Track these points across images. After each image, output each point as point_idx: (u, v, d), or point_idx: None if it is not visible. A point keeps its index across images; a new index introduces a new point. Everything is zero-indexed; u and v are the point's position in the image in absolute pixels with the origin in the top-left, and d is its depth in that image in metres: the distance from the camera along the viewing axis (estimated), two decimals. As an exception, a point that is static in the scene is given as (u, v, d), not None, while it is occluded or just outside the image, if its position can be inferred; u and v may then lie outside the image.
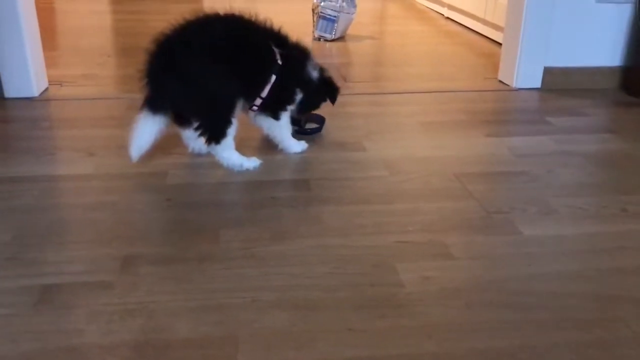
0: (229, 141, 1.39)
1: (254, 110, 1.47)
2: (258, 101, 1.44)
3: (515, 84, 2.13)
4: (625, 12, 2.07)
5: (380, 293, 0.97)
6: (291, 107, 1.50)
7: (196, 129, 1.37)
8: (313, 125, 1.69)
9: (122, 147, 1.55)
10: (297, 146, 1.54)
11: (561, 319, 0.93)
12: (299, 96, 1.50)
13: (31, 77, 1.92)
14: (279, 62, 1.42)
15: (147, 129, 1.34)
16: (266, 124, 1.50)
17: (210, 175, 1.39)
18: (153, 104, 1.33)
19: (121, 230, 1.15)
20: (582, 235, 1.17)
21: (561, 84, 2.12)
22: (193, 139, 1.47)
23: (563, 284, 1.02)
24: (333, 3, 2.80)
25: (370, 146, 1.57)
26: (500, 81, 2.21)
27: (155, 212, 1.22)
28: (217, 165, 1.44)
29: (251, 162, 1.43)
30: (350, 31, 2.95)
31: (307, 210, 1.24)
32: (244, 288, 0.98)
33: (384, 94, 2.06)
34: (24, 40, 1.86)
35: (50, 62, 2.26)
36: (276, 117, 1.48)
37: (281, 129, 1.51)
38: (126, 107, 1.86)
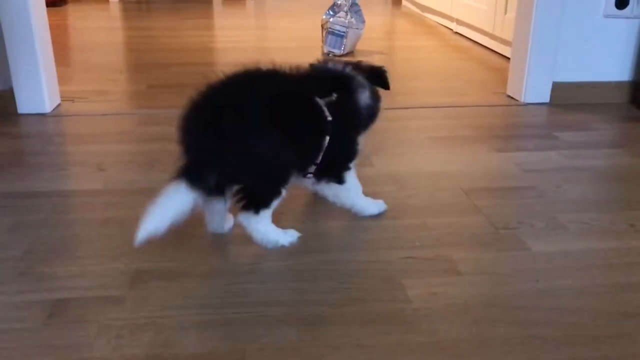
0: (268, 213, 1.14)
1: (308, 178, 1.21)
2: (312, 168, 1.19)
3: (523, 98, 2.13)
4: (633, 26, 2.07)
5: (387, 309, 0.98)
6: (355, 161, 1.26)
7: (237, 194, 1.13)
8: None
9: (132, 162, 1.57)
10: (374, 207, 1.30)
11: (569, 335, 0.92)
12: (361, 144, 1.27)
13: (44, 93, 1.95)
14: (329, 118, 1.15)
15: (174, 205, 1.03)
16: (331, 191, 1.24)
17: (219, 191, 1.41)
18: (193, 173, 1.04)
19: (131, 246, 1.15)
20: (590, 251, 1.17)
21: (570, 99, 2.12)
22: (217, 214, 1.20)
23: (571, 300, 1.01)
24: (342, 19, 2.82)
25: (378, 161, 1.58)
26: (508, 96, 2.21)
27: (165, 227, 1.23)
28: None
29: (288, 237, 1.18)
30: (359, 46, 2.98)
31: (315, 225, 1.25)
32: (252, 303, 0.99)
33: (393, 109, 2.07)
34: (37, 56, 1.90)
35: (62, 78, 2.29)
36: (341, 181, 1.23)
37: (349, 192, 1.25)
38: (137, 122, 1.88)
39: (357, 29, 2.87)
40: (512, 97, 2.19)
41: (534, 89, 2.12)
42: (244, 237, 1.19)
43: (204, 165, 1.06)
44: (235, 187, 1.13)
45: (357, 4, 2.89)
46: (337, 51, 2.84)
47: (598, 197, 1.41)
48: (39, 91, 1.94)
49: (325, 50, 2.86)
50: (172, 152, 1.63)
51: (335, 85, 1.20)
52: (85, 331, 0.91)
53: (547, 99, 2.13)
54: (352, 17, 2.84)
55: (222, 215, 1.20)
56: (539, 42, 2.06)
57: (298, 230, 1.21)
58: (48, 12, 2.00)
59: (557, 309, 0.99)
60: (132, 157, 1.61)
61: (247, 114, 1.08)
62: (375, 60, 2.82)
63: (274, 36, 3.37)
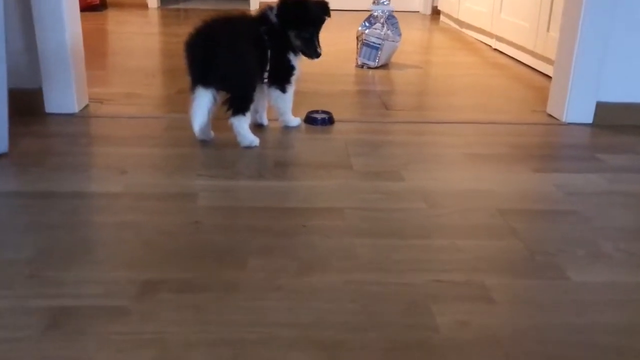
0: (249, 115, 1.65)
1: (264, 83, 1.71)
2: (266, 75, 1.70)
3: (565, 118, 2.03)
4: (685, 47, 1.96)
5: (412, 336, 0.90)
6: (293, 78, 1.77)
7: (227, 103, 1.61)
8: (323, 116, 1.93)
9: (155, 166, 1.53)
10: (294, 121, 1.86)
11: (613, 378, 0.83)
12: (294, 60, 1.75)
13: (72, 94, 1.93)
14: (266, 37, 1.67)
15: (203, 103, 1.55)
16: (274, 95, 1.76)
17: (241, 199, 1.35)
18: (203, 78, 1.56)
19: (145, 253, 1.11)
20: (637, 284, 1.07)
21: (614, 120, 2.01)
22: (205, 126, 1.66)
23: (612, 338, 0.92)
24: (378, 31, 2.76)
25: (409, 176, 1.50)
26: (549, 115, 2.11)
27: (182, 235, 1.18)
28: (249, 188, 1.40)
29: (256, 140, 1.68)
30: (394, 59, 2.91)
31: (340, 242, 1.18)
32: (266, 322, 0.92)
33: (426, 123, 2.00)
34: (68, 57, 1.88)
35: (96, 81, 2.29)
36: (283, 90, 1.75)
37: (285, 101, 1.78)
38: (164, 126, 1.84)
39: (393, 41, 2.81)
40: (552, 116, 2.10)
41: (576, 108, 2.02)
42: (265, 249, 1.12)
43: (209, 73, 1.55)
44: (224, 98, 1.60)
45: (394, 17, 2.83)
46: (371, 63, 2.78)
47: (645, 225, 1.30)
48: (68, 91, 1.92)
49: (359, 62, 2.80)
50: (196, 157, 1.60)
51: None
52: (85, 344, 0.85)
53: (590, 120, 2.03)
54: (388, 30, 2.77)
55: (209, 127, 1.68)
56: (583, 60, 1.96)
57: (324, 246, 1.15)
58: (87, 17, 2.01)
59: (597, 348, 0.90)
60: (156, 161, 1.57)
61: (233, 38, 1.59)
62: (411, 74, 2.76)
63: (309, 46, 3.33)
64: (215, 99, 1.58)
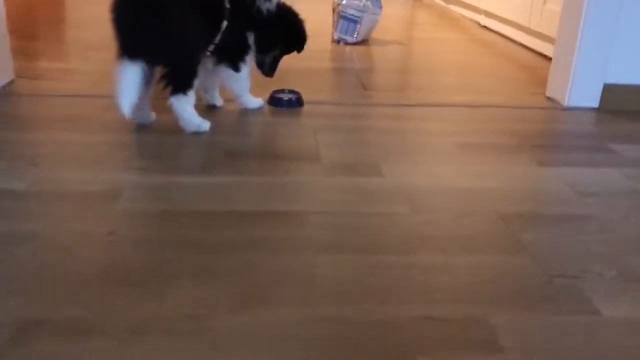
0: (193, 95, 1.35)
1: (209, 56, 1.44)
2: (211, 47, 1.42)
3: (567, 101, 1.78)
4: None
5: (390, 411, 0.63)
6: (248, 56, 1.50)
7: (164, 80, 1.32)
8: (290, 96, 1.65)
9: (76, 156, 1.24)
10: (255, 102, 1.57)
11: None
12: (250, 39, 1.48)
13: (-10, 67, 1.62)
14: (227, 6, 1.39)
15: (131, 79, 1.25)
16: (225, 74, 1.49)
17: (175, 200, 1.06)
18: (131, 49, 1.26)
19: (30, 280, 0.82)
20: (687, 319, 0.81)
21: (624, 104, 1.76)
22: (142, 106, 1.36)
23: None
24: (356, 2, 2.47)
25: (389, 171, 1.23)
26: (548, 98, 1.85)
27: (88, 252, 0.89)
28: (187, 185, 1.11)
29: (205, 125, 1.39)
30: (374, 35, 2.62)
31: (296, 260, 0.90)
32: (179, 391, 0.64)
33: (410, 106, 1.72)
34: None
35: (33, 54, 2.01)
36: (236, 69, 1.48)
37: (239, 81, 1.51)
38: (101, 107, 1.55)
39: (373, 14, 2.52)
40: (552, 99, 1.84)
41: (580, 90, 1.76)
42: (192, 272, 0.84)
43: (137, 42, 1.27)
44: (161, 74, 1.31)
45: (374, -14, 2.54)
46: (349, 38, 2.49)
47: (681, 234, 1.05)
48: (-16, 64, 1.61)
49: (336, 37, 2.51)
50: (129, 145, 1.31)
51: None
52: None
53: (595, 104, 1.77)
54: (367, 0, 2.48)
55: (147, 107, 1.39)
56: (589, 38, 1.70)
57: (274, 267, 0.87)
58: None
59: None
60: (78, 150, 1.27)
61: None
62: (393, 51, 2.47)
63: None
64: (147, 73, 1.28)
